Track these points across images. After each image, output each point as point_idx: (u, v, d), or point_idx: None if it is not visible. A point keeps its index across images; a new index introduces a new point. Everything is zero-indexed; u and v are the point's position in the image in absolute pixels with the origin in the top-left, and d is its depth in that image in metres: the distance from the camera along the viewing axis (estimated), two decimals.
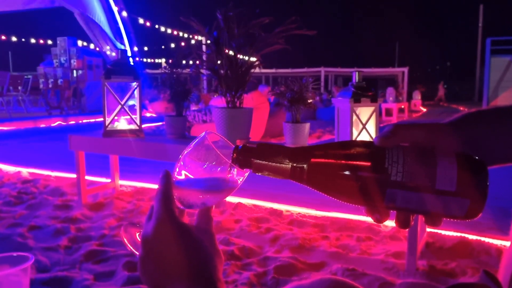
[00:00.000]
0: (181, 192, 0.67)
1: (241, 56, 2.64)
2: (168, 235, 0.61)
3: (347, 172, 0.60)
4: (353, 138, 2.30)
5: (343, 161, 0.61)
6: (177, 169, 0.69)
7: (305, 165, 0.62)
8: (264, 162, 0.62)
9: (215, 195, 0.68)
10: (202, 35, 2.72)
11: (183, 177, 0.68)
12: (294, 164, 0.62)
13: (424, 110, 20.07)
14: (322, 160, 0.62)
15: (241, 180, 0.66)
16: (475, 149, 0.65)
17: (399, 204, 0.60)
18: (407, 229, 0.64)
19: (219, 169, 0.65)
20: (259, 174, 0.64)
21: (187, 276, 0.59)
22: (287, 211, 3.18)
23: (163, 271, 0.60)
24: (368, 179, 0.60)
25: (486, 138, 0.69)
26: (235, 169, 0.64)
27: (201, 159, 0.65)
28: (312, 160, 0.62)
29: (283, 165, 0.62)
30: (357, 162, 0.61)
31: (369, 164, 0.60)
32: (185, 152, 0.67)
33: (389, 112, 14.12)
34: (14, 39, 17.36)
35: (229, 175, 0.65)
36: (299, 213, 3.14)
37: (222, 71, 2.63)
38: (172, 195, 0.66)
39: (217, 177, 0.65)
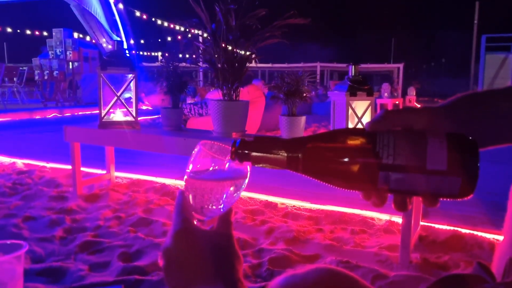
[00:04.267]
0: (198, 186, 0.68)
1: (238, 50, 2.65)
2: (185, 243, 0.64)
3: (339, 158, 0.62)
4: None
5: (335, 147, 0.63)
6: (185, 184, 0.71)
7: (300, 154, 0.64)
8: (261, 154, 0.64)
9: (231, 183, 0.68)
10: (200, 27, 2.72)
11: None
12: (290, 154, 0.64)
13: (419, 106, 20.08)
14: (316, 147, 0.63)
15: (249, 168, 0.68)
16: (467, 131, 0.66)
17: (393, 186, 0.61)
18: (404, 211, 0.64)
19: (227, 165, 0.67)
20: (258, 166, 0.66)
21: (207, 279, 0.62)
22: (282, 203, 3.20)
23: (185, 277, 0.63)
24: (360, 163, 0.61)
25: (479, 120, 0.69)
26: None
27: (206, 166, 0.68)
28: (307, 148, 0.63)
29: (280, 156, 0.64)
30: (349, 147, 0.62)
31: (360, 148, 0.62)
32: (189, 169, 0.68)
33: (384, 108, 14.15)
34: (9, 30, 17.25)
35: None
36: (294, 205, 3.15)
37: (219, 64, 2.63)
38: (187, 207, 0.69)
39: (228, 170, 0.68)
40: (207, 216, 0.70)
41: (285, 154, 0.64)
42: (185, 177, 0.69)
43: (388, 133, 0.62)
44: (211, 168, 0.67)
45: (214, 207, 0.69)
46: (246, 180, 0.69)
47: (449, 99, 0.73)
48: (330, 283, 0.76)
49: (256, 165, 0.66)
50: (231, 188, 0.68)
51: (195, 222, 0.69)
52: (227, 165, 0.67)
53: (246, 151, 0.64)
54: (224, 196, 0.68)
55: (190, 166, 0.68)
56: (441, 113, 0.69)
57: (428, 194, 0.62)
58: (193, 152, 0.68)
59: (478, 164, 0.59)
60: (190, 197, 0.69)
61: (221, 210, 0.69)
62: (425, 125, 0.66)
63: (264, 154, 0.64)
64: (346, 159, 0.62)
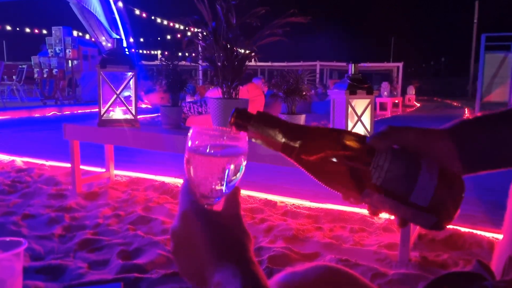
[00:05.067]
0: (197, 163, 0.66)
1: (238, 49, 2.65)
2: (194, 223, 0.62)
3: (332, 162, 0.63)
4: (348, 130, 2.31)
5: (332, 151, 0.63)
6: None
7: (296, 144, 0.64)
8: (259, 131, 0.65)
9: (230, 159, 0.66)
10: (200, 26, 2.71)
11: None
12: (287, 141, 0.64)
13: (418, 105, 20.12)
14: (314, 144, 0.64)
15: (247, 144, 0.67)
16: (470, 156, 0.67)
17: (373, 203, 0.64)
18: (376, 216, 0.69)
19: (224, 137, 0.66)
20: (253, 140, 0.66)
21: (218, 261, 0.60)
22: (282, 202, 3.20)
23: (195, 259, 0.61)
24: (350, 175, 0.62)
25: (482, 145, 0.70)
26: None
27: (204, 143, 0.66)
28: (305, 140, 0.64)
29: (276, 139, 0.65)
30: (345, 156, 0.63)
31: (355, 161, 0.63)
32: (189, 145, 0.67)
33: (383, 107, 14.17)
34: (8, 28, 17.23)
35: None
36: (293, 204, 3.15)
37: (219, 63, 2.63)
38: (193, 190, 0.67)
39: (226, 148, 0.66)
40: (213, 197, 0.68)
41: (282, 140, 0.64)
42: (185, 155, 0.67)
43: (386, 153, 0.63)
44: (208, 149, 0.65)
45: (217, 187, 0.66)
46: (245, 162, 0.67)
47: (452, 123, 0.73)
48: (330, 280, 0.76)
49: (251, 139, 0.66)
50: (232, 166, 0.66)
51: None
52: (224, 141, 0.66)
53: (245, 122, 0.64)
54: (226, 174, 0.65)
55: (189, 143, 0.66)
56: (444, 137, 0.69)
57: (401, 219, 0.65)
58: (189, 132, 0.66)
59: (458, 209, 0.61)
60: (192, 174, 0.66)
61: (224, 190, 0.67)
62: (426, 147, 0.66)
63: (262, 132, 0.64)
64: (339, 166, 0.63)
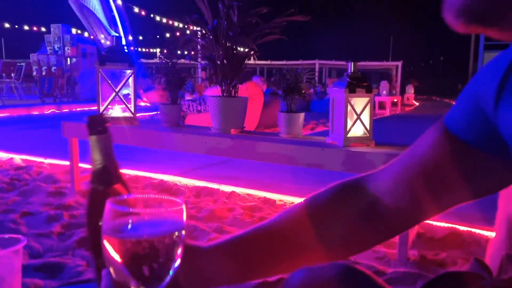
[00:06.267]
0: (124, 251, 0.50)
1: (237, 47, 2.65)
2: None
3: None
4: (348, 129, 2.31)
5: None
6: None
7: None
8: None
9: (171, 238, 0.51)
10: (199, 24, 2.71)
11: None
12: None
13: (417, 104, 20.15)
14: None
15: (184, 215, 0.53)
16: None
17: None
18: None
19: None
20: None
21: None
22: (280, 200, 3.20)
23: None
24: None
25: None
26: None
27: (123, 221, 0.51)
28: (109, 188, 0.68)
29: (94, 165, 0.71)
30: None
31: None
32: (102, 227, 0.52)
33: (382, 105, 14.17)
34: (7, 25, 17.20)
35: None
36: (292, 202, 3.15)
37: (218, 61, 2.63)
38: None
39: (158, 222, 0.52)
40: None
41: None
42: (103, 239, 0.51)
43: None
44: (129, 225, 0.51)
45: (147, 281, 0.51)
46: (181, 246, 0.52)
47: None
48: (348, 278, 0.76)
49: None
50: (173, 244, 0.51)
51: None
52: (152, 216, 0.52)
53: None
54: (170, 257, 0.51)
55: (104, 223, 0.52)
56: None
57: None
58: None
59: None
60: (114, 271, 0.51)
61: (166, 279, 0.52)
62: None
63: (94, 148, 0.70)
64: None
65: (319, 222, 0.77)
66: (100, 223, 0.54)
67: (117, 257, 0.49)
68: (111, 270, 0.51)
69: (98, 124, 0.67)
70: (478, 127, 0.66)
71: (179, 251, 0.52)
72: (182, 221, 0.52)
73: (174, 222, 0.52)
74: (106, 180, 0.70)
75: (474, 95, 0.67)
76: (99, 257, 0.58)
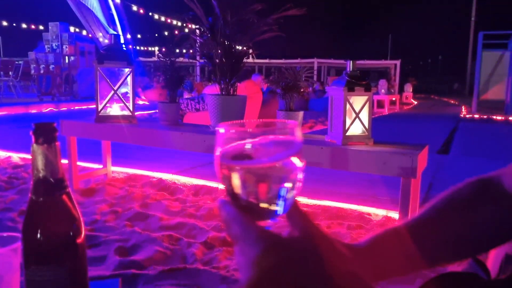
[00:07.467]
0: (242, 176, 0.50)
1: (235, 45, 2.64)
2: (286, 266, 0.49)
3: None
4: (346, 127, 2.31)
5: None
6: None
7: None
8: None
9: (287, 163, 0.50)
10: (197, 22, 2.71)
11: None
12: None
13: (415, 102, 20.17)
14: None
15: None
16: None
17: None
18: None
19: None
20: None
21: None
22: None
23: None
24: None
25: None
26: None
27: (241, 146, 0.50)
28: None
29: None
30: None
31: None
32: (218, 153, 0.51)
33: (381, 104, 14.18)
34: (5, 23, 17.17)
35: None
36: None
37: (216, 59, 2.63)
38: (246, 217, 0.51)
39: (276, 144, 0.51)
40: (269, 218, 0.53)
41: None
42: (219, 165, 0.51)
43: None
44: (249, 147, 0.49)
45: (274, 203, 0.51)
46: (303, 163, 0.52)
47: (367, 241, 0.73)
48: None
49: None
50: (289, 174, 0.51)
51: None
52: (271, 138, 0.50)
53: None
54: (286, 183, 0.50)
55: (218, 149, 0.51)
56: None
57: None
58: (219, 130, 0.51)
59: None
60: (233, 191, 0.50)
61: (285, 205, 0.52)
62: None
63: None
64: None
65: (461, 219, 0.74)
66: (38, 236, 0.64)
67: (239, 183, 0.49)
68: (235, 195, 0.50)
69: (43, 133, 0.68)
70: None
71: (301, 165, 0.52)
72: (300, 142, 0.51)
73: (291, 143, 0.51)
74: (44, 191, 0.71)
75: None
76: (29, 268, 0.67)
